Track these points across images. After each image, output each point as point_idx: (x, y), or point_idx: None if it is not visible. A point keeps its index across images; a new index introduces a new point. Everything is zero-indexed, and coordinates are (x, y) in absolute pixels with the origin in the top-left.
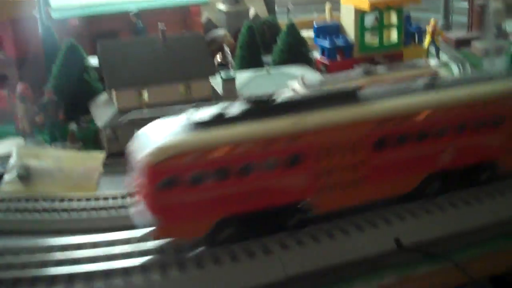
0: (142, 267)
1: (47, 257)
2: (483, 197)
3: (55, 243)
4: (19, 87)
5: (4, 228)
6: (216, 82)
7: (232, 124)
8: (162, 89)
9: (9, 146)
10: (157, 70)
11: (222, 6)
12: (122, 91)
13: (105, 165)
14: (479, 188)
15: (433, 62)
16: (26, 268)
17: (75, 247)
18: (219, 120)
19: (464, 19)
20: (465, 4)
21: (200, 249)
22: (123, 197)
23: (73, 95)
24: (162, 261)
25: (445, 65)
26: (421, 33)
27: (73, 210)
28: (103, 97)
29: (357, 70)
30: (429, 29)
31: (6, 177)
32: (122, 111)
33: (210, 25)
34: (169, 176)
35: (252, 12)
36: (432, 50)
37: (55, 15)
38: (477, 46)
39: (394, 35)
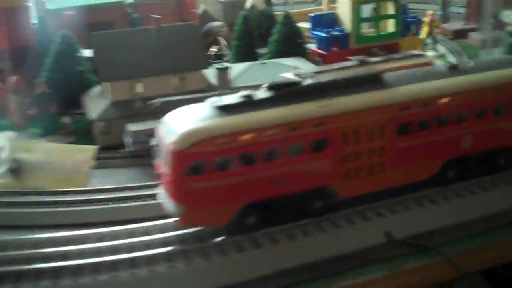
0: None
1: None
2: (475, 190)
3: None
4: (12, 79)
5: None
6: (211, 72)
7: (258, 109)
8: (156, 80)
9: (1, 140)
10: (151, 62)
11: None
12: (117, 83)
13: (98, 158)
14: (471, 181)
15: (430, 53)
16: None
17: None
18: (245, 105)
19: (462, 10)
20: None
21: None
22: (115, 190)
23: (66, 88)
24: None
25: (442, 56)
26: (418, 24)
27: (64, 203)
28: (96, 89)
29: (352, 61)
30: (426, 20)
31: None
32: (115, 104)
33: (207, 17)
34: (196, 162)
35: (248, 3)
36: (430, 41)
37: (50, 6)
38: (475, 37)
39: (391, 26)
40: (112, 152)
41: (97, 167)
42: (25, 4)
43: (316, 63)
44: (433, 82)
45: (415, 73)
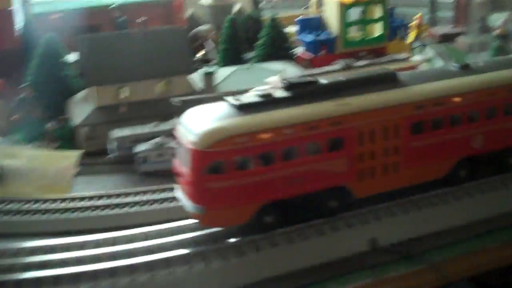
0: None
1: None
2: (461, 196)
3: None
4: None
5: None
6: (197, 77)
7: (276, 108)
8: (142, 85)
9: None
10: (137, 66)
11: (206, 1)
12: (102, 88)
13: (82, 164)
14: (457, 186)
15: (418, 56)
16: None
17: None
18: (263, 104)
19: (450, 14)
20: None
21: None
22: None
23: (51, 92)
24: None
25: (430, 60)
26: (405, 27)
27: (46, 211)
28: (81, 94)
29: (338, 64)
30: (414, 24)
31: None
32: (100, 109)
33: (194, 20)
34: (216, 162)
35: (236, 7)
36: (417, 44)
37: (36, 9)
38: (462, 41)
39: (378, 30)
40: (96, 158)
41: (81, 173)
42: (10, 8)
43: (303, 67)
44: (446, 81)
45: (428, 72)
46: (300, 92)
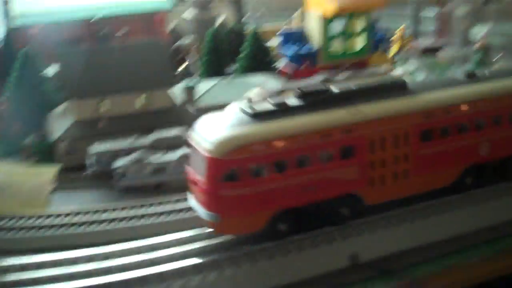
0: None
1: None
2: (441, 211)
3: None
4: None
5: None
6: (178, 90)
7: (290, 116)
8: (122, 99)
9: None
10: (117, 79)
11: (189, 14)
12: (81, 101)
13: (60, 179)
14: (439, 201)
15: (400, 69)
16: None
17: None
18: (277, 112)
19: (433, 27)
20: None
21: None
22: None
23: (29, 106)
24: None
25: (412, 73)
26: (387, 41)
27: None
28: (61, 108)
29: (317, 78)
30: (396, 37)
31: None
32: (80, 123)
33: (177, 33)
34: (232, 170)
35: (219, 19)
36: (400, 57)
37: (15, 22)
38: (445, 54)
39: (360, 43)
40: (75, 173)
41: (59, 189)
42: None
43: (285, 80)
44: (454, 89)
45: (436, 81)
46: (313, 100)
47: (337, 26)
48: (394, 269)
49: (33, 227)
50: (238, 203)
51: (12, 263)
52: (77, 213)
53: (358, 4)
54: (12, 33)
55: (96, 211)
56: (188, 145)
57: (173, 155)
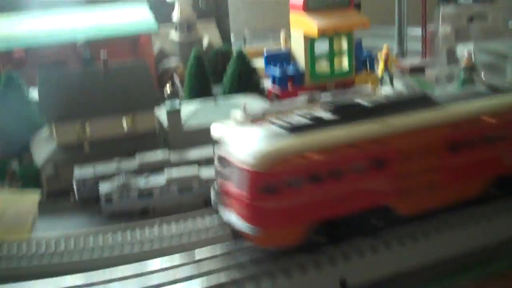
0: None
1: None
2: (430, 233)
3: None
4: None
5: None
6: (163, 113)
7: (325, 129)
8: (105, 122)
9: None
10: (99, 102)
11: (174, 36)
12: (62, 125)
13: (43, 205)
14: (427, 223)
15: (386, 88)
16: None
17: None
18: (313, 126)
19: (419, 46)
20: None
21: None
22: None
23: (13, 130)
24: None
25: (400, 91)
26: (372, 60)
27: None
28: (44, 132)
29: (301, 98)
30: (381, 56)
31: None
32: (63, 146)
33: (163, 55)
34: (272, 183)
35: (205, 41)
36: (386, 77)
37: (0, 44)
38: (430, 73)
39: (345, 63)
40: (60, 199)
41: (42, 215)
42: None
43: (271, 101)
44: (478, 101)
45: (460, 93)
46: (345, 114)
47: (322, 46)
48: None
49: (17, 255)
50: (278, 215)
51: None
52: (62, 239)
53: (342, 24)
54: None
55: (81, 237)
56: (221, 159)
57: (159, 179)
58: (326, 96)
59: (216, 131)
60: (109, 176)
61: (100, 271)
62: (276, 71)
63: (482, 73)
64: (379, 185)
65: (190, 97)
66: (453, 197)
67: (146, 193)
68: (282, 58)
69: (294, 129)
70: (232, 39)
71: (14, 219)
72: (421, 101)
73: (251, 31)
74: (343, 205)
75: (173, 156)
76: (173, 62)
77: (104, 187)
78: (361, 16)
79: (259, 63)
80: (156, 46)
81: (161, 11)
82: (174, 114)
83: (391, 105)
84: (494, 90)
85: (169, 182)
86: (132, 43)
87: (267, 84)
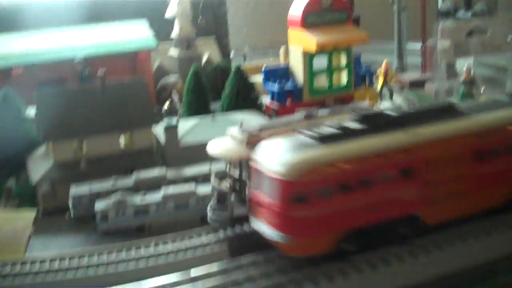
0: None
1: None
2: (418, 253)
3: None
4: None
5: None
6: (160, 130)
7: (353, 139)
8: (102, 139)
9: None
10: (96, 120)
11: (174, 52)
12: (59, 142)
13: (39, 224)
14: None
15: (386, 104)
16: None
17: None
18: (341, 135)
19: (419, 60)
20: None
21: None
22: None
23: (9, 148)
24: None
25: (398, 107)
26: (371, 75)
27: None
28: (41, 149)
29: (298, 114)
30: (381, 71)
31: None
32: (59, 164)
33: (162, 72)
34: (303, 192)
35: (205, 57)
36: (385, 91)
37: None
38: (430, 87)
39: (344, 78)
40: (56, 217)
41: (38, 233)
42: None
43: (270, 117)
44: (502, 111)
45: (482, 103)
46: (373, 123)
47: (321, 62)
48: None
49: (11, 274)
50: (309, 224)
51: None
52: (57, 259)
53: (340, 39)
54: None
55: (77, 256)
56: (252, 169)
57: (156, 196)
58: (324, 112)
59: (212, 148)
60: (105, 194)
61: None
62: (275, 86)
63: (482, 87)
64: (407, 194)
65: (188, 114)
66: (478, 205)
67: (142, 210)
68: (281, 74)
69: (323, 139)
70: (232, 56)
71: (8, 238)
72: (446, 111)
73: (251, 48)
74: (372, 214)
75: (170, 173)
76: (172, 78)
77: (100, 205)
78: (360, 31)
79: (259, 79)
80: (156, 62)
81: (161, 28)
82: (171, 131)
83: (418, 115)
84: None
85: (165, 199)
86: (131, 60)
87: (266, 100)
